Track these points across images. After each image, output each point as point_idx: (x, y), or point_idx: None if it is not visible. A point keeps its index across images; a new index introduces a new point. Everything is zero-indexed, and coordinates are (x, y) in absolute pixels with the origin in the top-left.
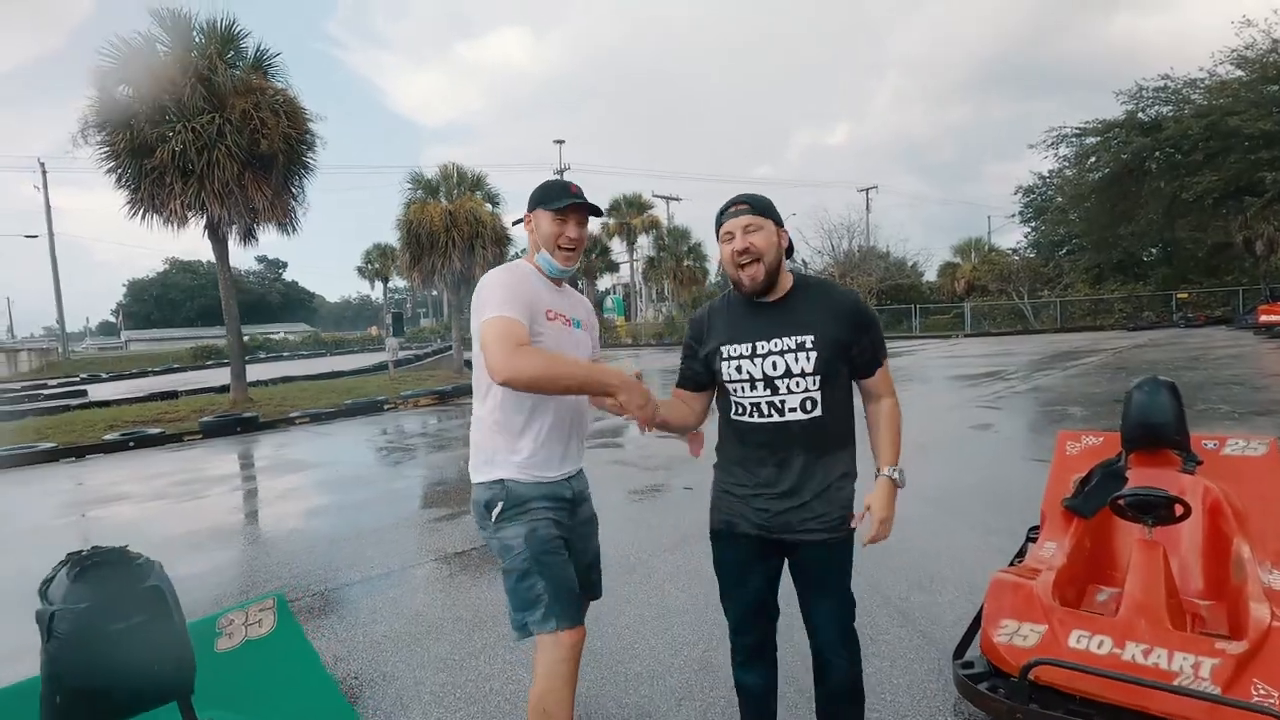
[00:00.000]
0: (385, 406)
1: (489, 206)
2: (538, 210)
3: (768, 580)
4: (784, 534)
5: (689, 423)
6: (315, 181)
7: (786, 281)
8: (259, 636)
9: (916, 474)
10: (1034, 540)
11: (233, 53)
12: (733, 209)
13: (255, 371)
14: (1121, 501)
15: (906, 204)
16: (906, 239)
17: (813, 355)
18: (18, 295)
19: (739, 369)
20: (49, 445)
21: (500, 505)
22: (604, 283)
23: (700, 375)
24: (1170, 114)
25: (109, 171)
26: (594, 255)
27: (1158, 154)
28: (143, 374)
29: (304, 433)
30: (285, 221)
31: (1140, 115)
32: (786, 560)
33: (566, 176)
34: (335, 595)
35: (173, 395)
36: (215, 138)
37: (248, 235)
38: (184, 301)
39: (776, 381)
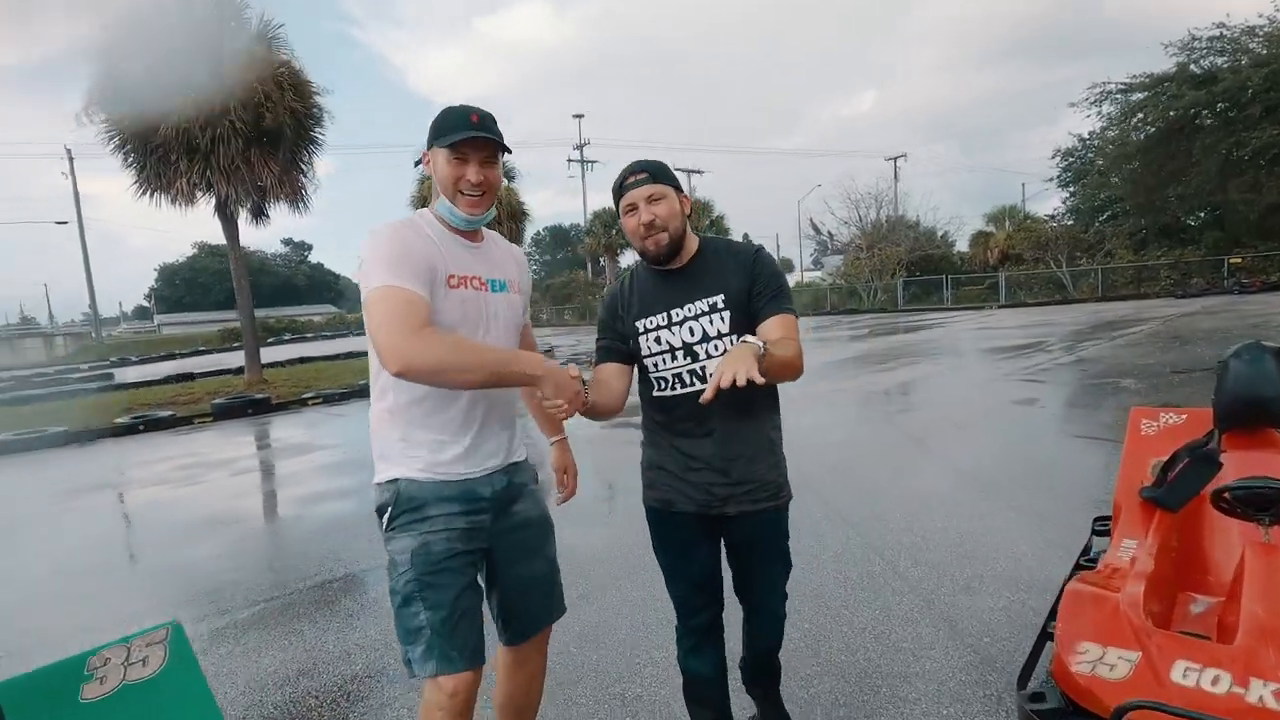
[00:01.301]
0: None
1: (505, 182)
2: (433, 149)
3: (713, 555)
4: (725, 508)
5: (615, 405)
6: (339, 163)
7: (692, 245)
8: (141, 679)
9: (954, 454)
10: (1101, 534)
11: (234, 23)
12: (632, 179)
13: (275, 353)
14: (1228, 495)
15: (936, 172)
16: (936, 208)
17: (726, 315)
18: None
19: (658, 340)
20: (59, 429)
21: (389, 511)
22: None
23: (621, 349)
24: (1226, 65)
25: (115, 151)
26: (614, 231)
27: (1211, 109)
28: (170, 356)
29: (316, 414)
30: (296, 198)
31: (1193, 68)
32: (724, 535)
33: (587, 153)
34: (337, 586)
35: (189, 377)
36: (219, 113)
37: (258, 213)
38: (213, 285)
39: (695, 348)
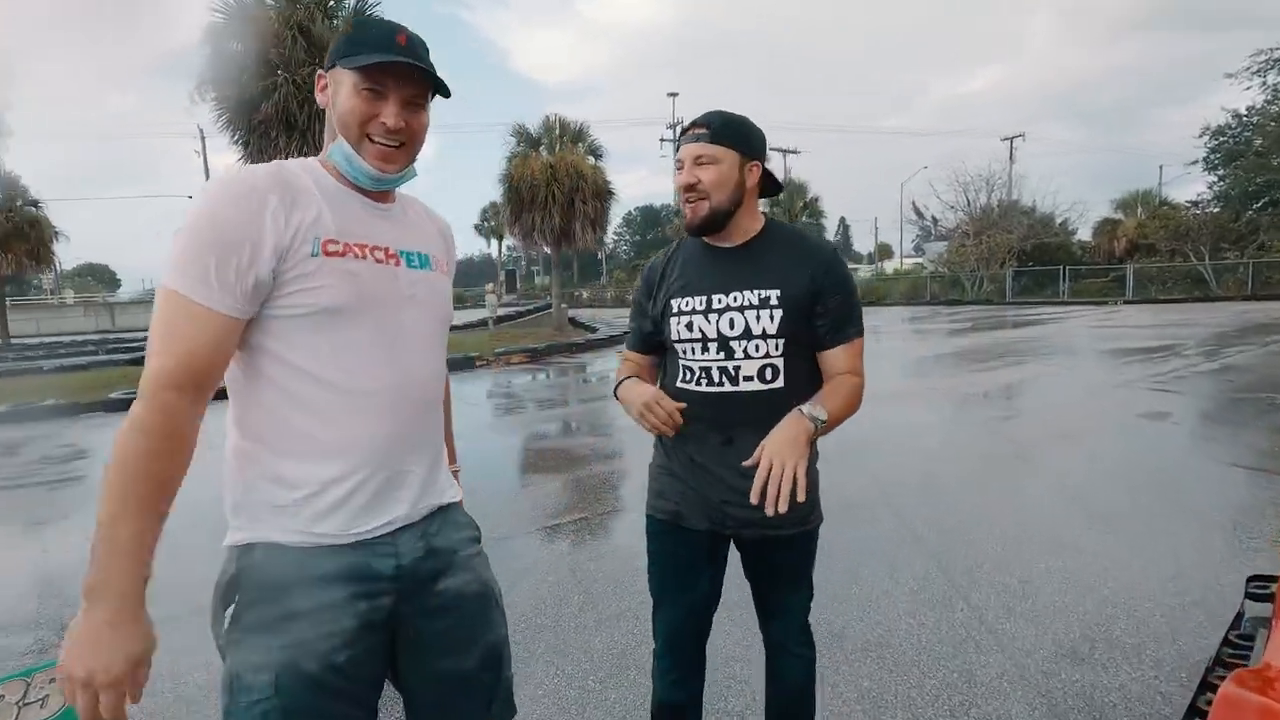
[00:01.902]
0: (478, 363)
1: (591, 160)
2: (336, 68)
3: (715, 583)
4: (742, 531)
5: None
6: (445, 142)
7: (753, 226)
8: None
9: (1065, 473)
10: (1259, 598)
11: (333, 2)
12: (690, 131)
13: None
14: None
15: (1058, 154)
16: (1056, 192)
17: (778, 314)
18: None
19: (689, 326)
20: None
21: (234, 597)
22: None
23: (652, 336)
24: None
25: (224, 128)
26: None
27: None
28: None
29: None
30: None
31: None
32: (739, 552)
33: (679, 132)
34: None
35: None
36: (312, 91)
37: None
38: None
39: (733, 343)
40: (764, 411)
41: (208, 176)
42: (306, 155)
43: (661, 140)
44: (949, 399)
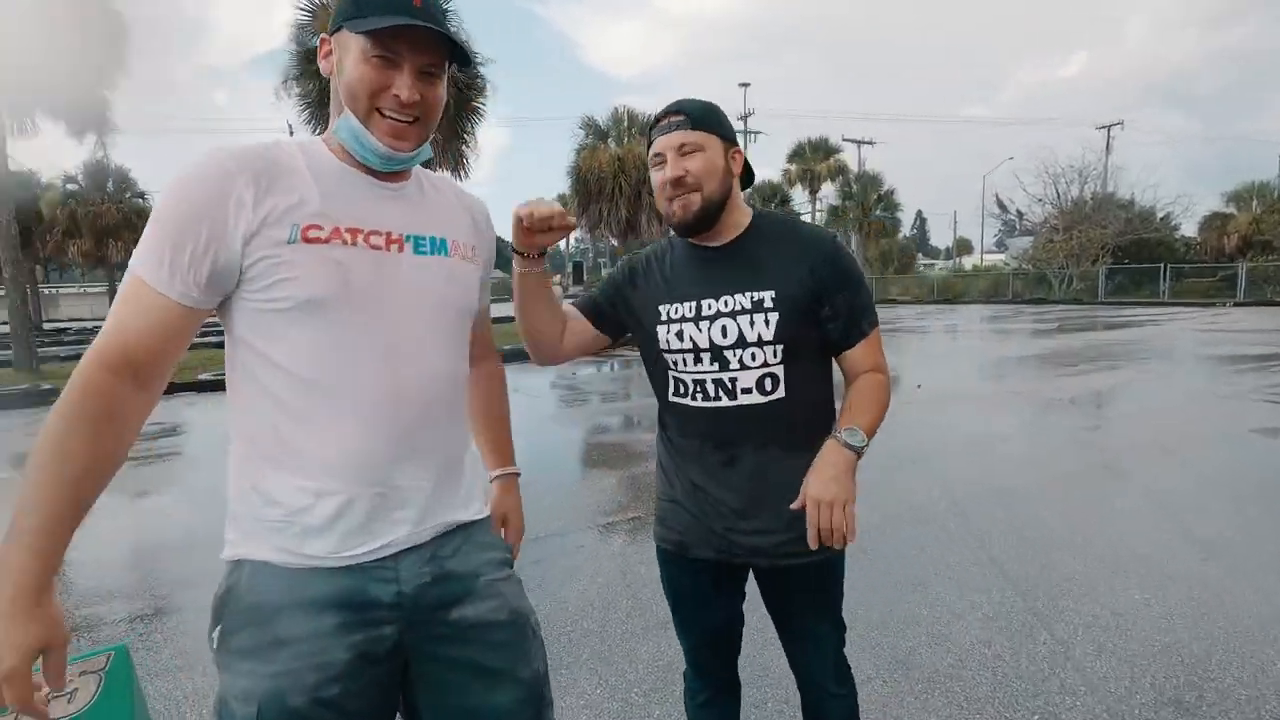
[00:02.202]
0: None
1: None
2: (343, 31)
3: (732, 606)
4: (753, 559)
5: (552, 343)
6: (517, 135)
7: (741, 220)
8: (67, 716)
9: (1164, 492)
10: None
11: None
12: (665, 120)
13: None
14: None
15: (1160, 143)
16: (1156, 184)
17: (773, 317)
18: None
19: (680, 334)
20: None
21: (218, 617)
22: None
23: (608, 314)
24: None
25: (307, 122)
26: (774, 205)
27: None
28: None
29: None
30: (458, 166)
31: None
32: (756, 581)
33: (751, 123)
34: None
35: None
36: None
37: None
38: None
39: (726, 353)
40: (767, 426)
41: None
42: None
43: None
44: (1031, 404)
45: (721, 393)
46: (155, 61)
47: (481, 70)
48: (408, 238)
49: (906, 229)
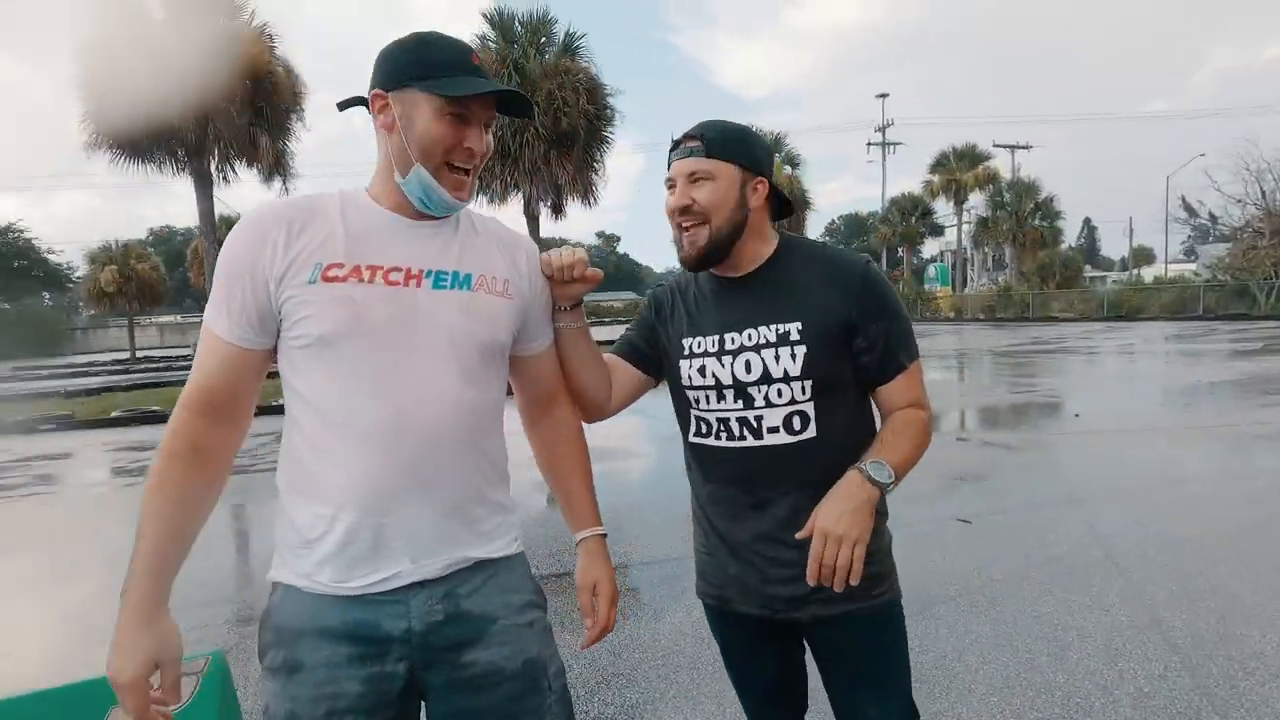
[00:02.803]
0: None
1: (787, 169)
2: (410, 89)
3: (789, 658)
4: (795, 612)
5: (601, 400)
6: (651, 160)
7: (763, 249)
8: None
9: None
10: None
11: (544, 39)
12: (682, 144)
13: None
14: None
15: None
16: None
17: (800, 351)
18: None
19: (702, 370)
20: None
21: (260, 633)
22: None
23: (645, 354)
24: None
25: None
26: (914, 219)
27: None
28: None
29: None
30: (588, 195)
31: None
32: (806, 642)
33: (890, 134)
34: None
35: None
36: (527, 120)
37: (556, 209)
38: None
39: (751, 389)
40: (796, 468)
41: None
42: (517, 179)
43: (869, 145)
44: (1222, 440)
45: (747, 432)
46: (343, 114)
47: (610, 101)
48: (428, 273)
49: (1071, 238)
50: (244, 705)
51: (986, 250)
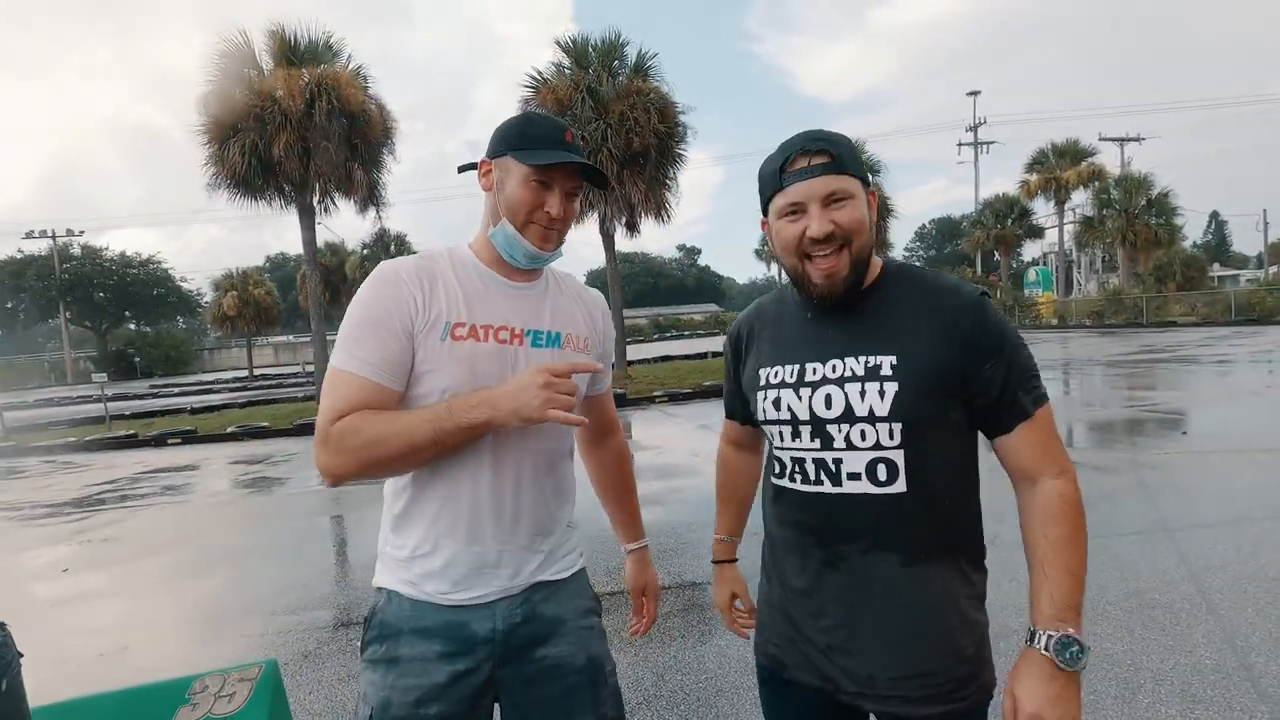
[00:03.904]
0: None
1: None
2: (507, 158)
3: None
4: (857, 698)
5: (745, 494)
6: (731, 170)
7: (869, 272)
8: (223, 714)
9: None
10: None
11: (617, 61)
12: (802, 161)
13: (653, 349)
14: None
15: None
16: None
17: (891, 388)
18: None
19: (777, 403)
20: None
21: (365, 630)
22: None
23: (739, 407)
24: None
25: None
26: (1010, 221)
27: None
28: None
29: (658, 412)
30: (660, 212)
31: None
32: None
33: (983, 133)
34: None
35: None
36: (600, 141)
37: (630, 227)
38: (626, 286)
39: (830, 428)
40: (879, 525)
41: None
42: (595, 202)
43: (960, 145)
44: None
45: (824, 475)
46: (429, 141)
47: (682, 118)
48: (528, 332)
49: (1199, 234)
50: (313, 706)
51: (1095, 252)
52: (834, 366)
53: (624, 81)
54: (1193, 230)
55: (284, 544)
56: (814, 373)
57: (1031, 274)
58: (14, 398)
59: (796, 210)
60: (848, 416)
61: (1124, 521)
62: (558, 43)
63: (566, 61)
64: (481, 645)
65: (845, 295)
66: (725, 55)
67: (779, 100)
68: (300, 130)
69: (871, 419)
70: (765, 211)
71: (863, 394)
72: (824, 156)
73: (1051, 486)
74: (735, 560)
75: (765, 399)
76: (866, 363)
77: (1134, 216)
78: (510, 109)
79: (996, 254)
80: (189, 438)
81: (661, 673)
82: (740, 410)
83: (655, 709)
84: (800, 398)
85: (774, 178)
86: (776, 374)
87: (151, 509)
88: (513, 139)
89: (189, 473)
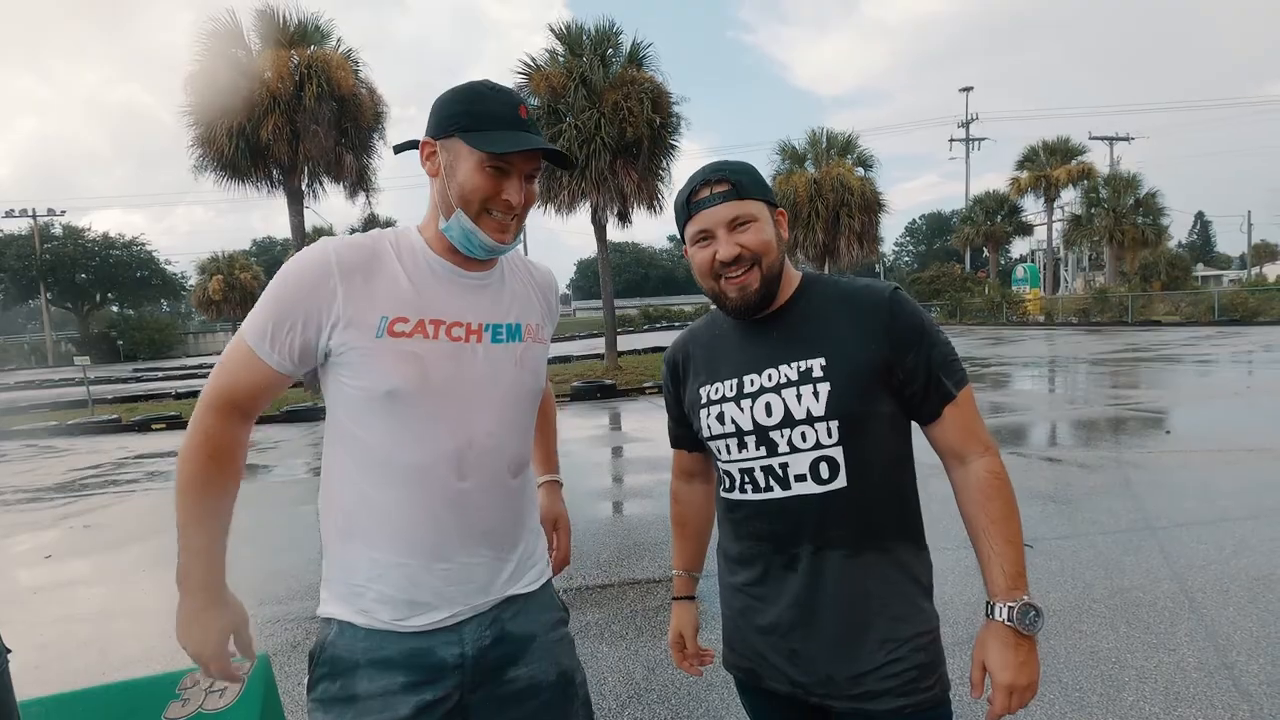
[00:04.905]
0: None
1: (860, 171)
2: (454, 139)
3: None
4: (828, 700)
5: (702, 526)
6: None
7: (787, 287)
8: (215, 710)
9: None
10: None
11: (611, 50)
12: (704, 191)
13: (641, 340)
14: None
15: None
16: None
17: (824, 388)
18: None
19: (721, 417)
20: None
21: (312, 666)
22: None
23: (687, 435)
24: None
25: None
26: (1000, 218)
27: None
28: (571, 338)
29: (648, 403)
30: (653, 202)
31: None
32: None
33: (975, 130)
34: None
35: (567, 360)
36: (593, 130)
37: (622, 217)
38: (617, 275)
39: (772, 434)
40: (827, 521)
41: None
42: (583, 188)
43: (951, 141)
44: None
45: (774, 482)
46: (419, 126)
47: (676, 109)
48: (486, 327)
49: (1184, 234)
50: (304, 698)
51: (1082, 250)
52: (769, 375)
53: (618, 70)
54: (1178, 230)
55: (271, 532)
56: (752, 384)
57: (1019, 271)
58: None
59: (705, 236)
60: (788, 421)
61: (1108, 520)
62: (551, 29)
63: (560, 48)
64: (450, 673)
65: (759, 307)
66: (718, 44)
67: (772, 92)
68: (289, 113)
69: (810, 420)
70: (683, 240)
71: (799, 397)
72: (724, 185)
73: (983, 464)
74: (693, 598)
75: (709, 415)
76: (799, 367)
77: (1121, 216)
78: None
79: (985, 250)
80: (173, 423)
81: (652, 667)
82: (687, 437)
83: (646, 703)
84: (742, 409)
85: (684, 209)
86: (717, 390)
87: (135, 495)
88: (460, 118)
89: (173, 459)
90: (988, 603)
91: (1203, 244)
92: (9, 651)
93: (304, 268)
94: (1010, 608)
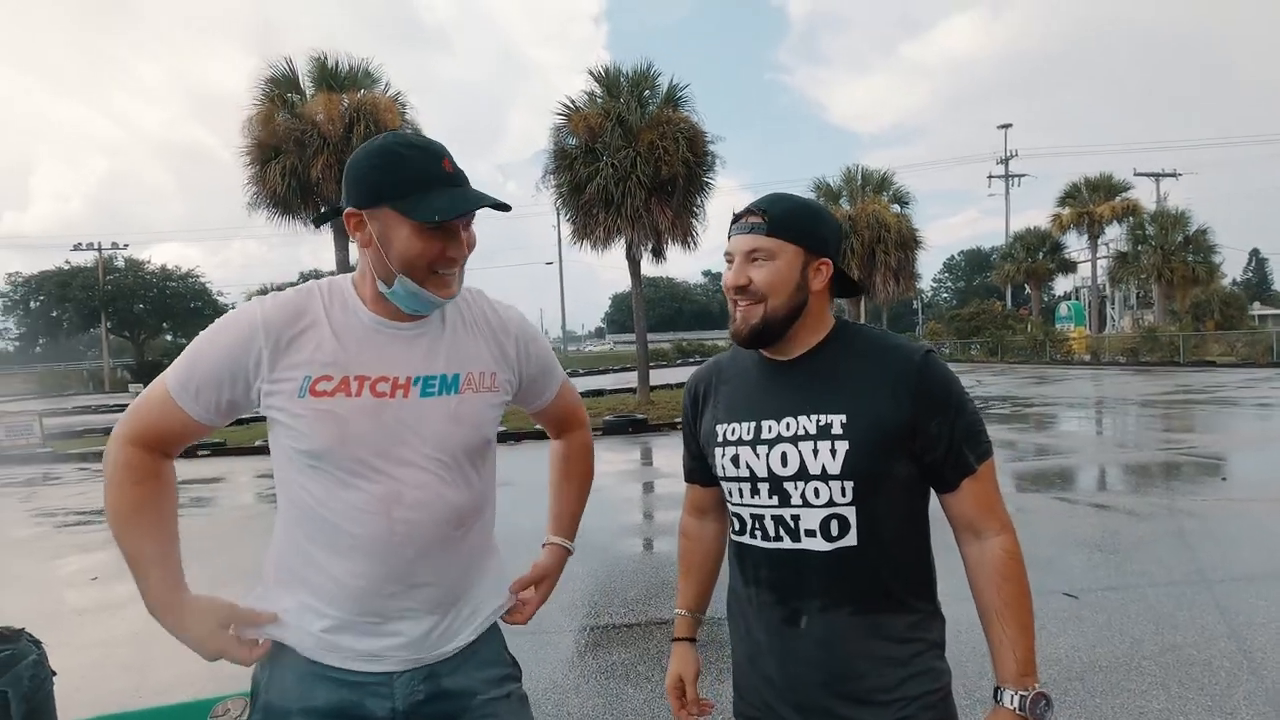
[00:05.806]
0: None
1: (895, 208)
2: (384, 210)
3: None
4: None
5: (710, 565)
6: (749, 200)
7: (817, 334)
8: None
9: None
10: None
11: (648, 91)
12: (743, 219)
13: (674, 374)
14: None
15: None
16: None
17: (842, 447)
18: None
19: (735, 460)
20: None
21: (250, 713)
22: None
23: (699, 470)
24: None
25: (561, 207)
26: (1041, 255)
27: None
28: (604, 372)
29: (679, 437)
30: (686, 239)
31: None
32: None
33: (1015, 166)
34: (632, 634)
35: (600, 393)
36: (629, 169)
37: (656, 253)
38: (651, 309)
39: (787, 485)
40: (834, 579)
41: (560, 246)
42: (619, 225)
43: (990, 177)
44: None
45: (784, 532)
46: (461, 164)
47: (711, 148)
48: (415, 380)
49: (1237, 272)
50: None
51: (1129, 288)
52: (788, 424)
53: (654, 111)
54: (1231, 267)
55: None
56: (769, 430)
57: (1063, 308)
58: (53, 404)
59: (730, 259)
60: (802, 474)
61: (1159, 571)
62: (590, 72)
63: (598, 90)
64: None
65: (754, 340)
66: (756, 85)
67: (808, 130)
68: (338, 153)
69: (824, 477)
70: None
71: (815, 452)
72: (757, 218)
73: (998, 543)
74: (694, 640)
75: (724, 455)
76: (818, 421)
77: (1170, 253)
78: (542, 135)
79: (1027, 287)
80: (218, 450)
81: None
82: (701, 471)
83: None
84: (758, 455)
85: (730, 230)
86: (734, 431)
87: (180, 520)
88: (384, 187)
89: (217, 485)
90: (996, 688)
91: (1259, 282)
92: (54, 674)
93: (230, 328)
94: (1022, 696)
